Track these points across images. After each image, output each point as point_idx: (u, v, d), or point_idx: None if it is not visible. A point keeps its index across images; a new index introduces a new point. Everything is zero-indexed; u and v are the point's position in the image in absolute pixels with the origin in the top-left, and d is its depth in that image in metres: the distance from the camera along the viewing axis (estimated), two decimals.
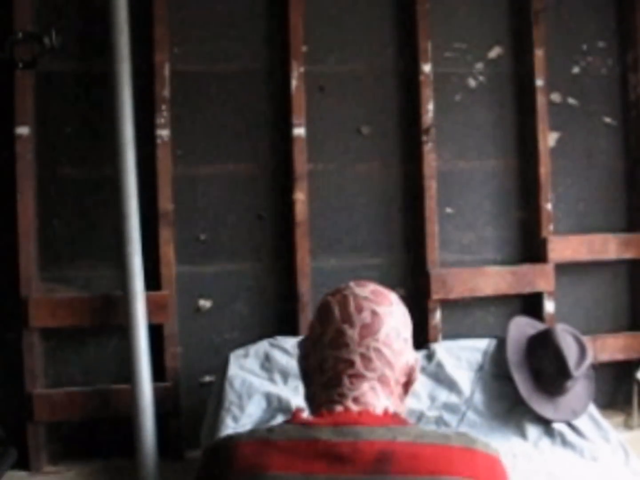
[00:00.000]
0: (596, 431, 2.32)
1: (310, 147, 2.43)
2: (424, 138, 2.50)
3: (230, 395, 2.18)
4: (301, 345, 1.36)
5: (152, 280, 2.30)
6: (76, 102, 2.33)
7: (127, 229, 2.20)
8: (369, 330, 1.25)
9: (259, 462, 1.14)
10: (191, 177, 2.39)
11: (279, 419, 2.07)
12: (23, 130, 2.25)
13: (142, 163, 2.26)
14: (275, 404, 2.16)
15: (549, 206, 2.62)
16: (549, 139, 2.64)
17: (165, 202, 2.33)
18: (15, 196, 2.24)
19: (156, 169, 2.32)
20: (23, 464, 2.28)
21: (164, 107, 2.32)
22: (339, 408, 1.23)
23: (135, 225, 2.20)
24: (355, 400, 1.24)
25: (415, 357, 1.34)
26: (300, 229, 2.40)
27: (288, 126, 2.41)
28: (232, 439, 1.22)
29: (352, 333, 1.25)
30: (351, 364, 1.25)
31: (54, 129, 2.32)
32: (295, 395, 2.14)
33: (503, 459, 1.20)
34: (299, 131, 2.40)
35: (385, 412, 1.23)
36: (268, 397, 2.18)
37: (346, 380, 1.25)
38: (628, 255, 2.72)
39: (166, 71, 2.34)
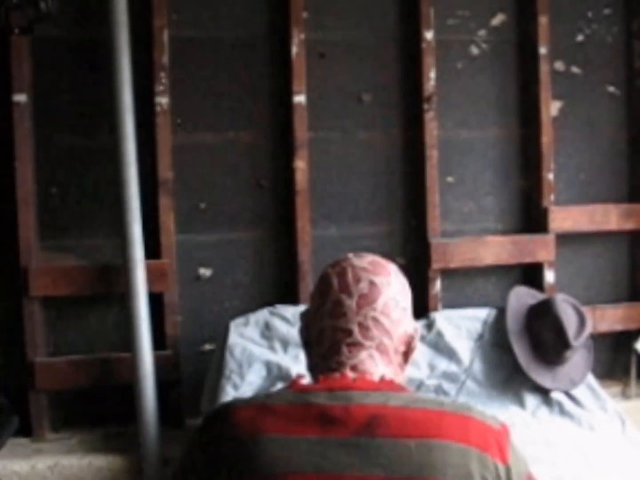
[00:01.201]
0: (594, 401, 2.33)
1: (310, 114, 2.41)
2: (426, 106, 2.48)
3: (230, 364, 2.19)
4: (302, 317, 1.38)
5: (152, 249, 2.29)
6: (74, 68, 2.31)
7: (127, 198, 2.19)
8: (367, 300, 1.26)
9: (256, 426, 1.16)
10: (191, 145, 2.38)
11: (279, 387, 2.08)
12: (20, 98, 2.23)
13: (141, 131, 2.24)
14: (275, 372, 2.17)
15: (550, 176, 2.61)
16: (551, 108, 2.62)
17: (165, 171, 2.32)
18: (13, 165, 2.23)
19: (155, 137, 2.31)
20: (26, 431, 2.30)
21: (162, 74, 2.30)
22: (335, 375, 1.24)
23: (135, 193, 2.20)
24: (354, 368, 1.25)
25: (414, 327, 1.34)
26: (300, 198, 2.39)
27: (288, 94, 2.39)
28: (231, 404, 1.23)
29: (350, 303, 1.26)
30: (349, 333, 1.26)
31: (51, 96, 2.30)
32: (295, 364, 2.15)
33: (508, 431, 1.19)
34: (300, 99, 2.38)
35: (382, 379, 1.23)
36: (268, 365, 2.19)
37: (344, 349, 1.26)
38: (629, 226, 2.71)
39: (165, 37, 2.31)
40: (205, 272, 2.41)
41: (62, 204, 2.32)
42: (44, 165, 2.30)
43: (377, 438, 1.12)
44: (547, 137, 2.60)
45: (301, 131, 2.38)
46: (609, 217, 2.68)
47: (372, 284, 1.27)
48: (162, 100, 2.30)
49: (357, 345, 1.25)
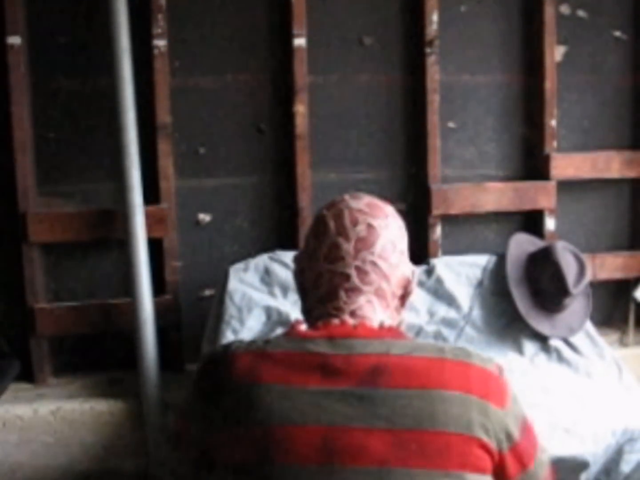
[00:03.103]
0: (592, 348, 2.34)
1: (310, 58, 2.37)
2: (428, 50, 2.43)
3: (230, 309, 2.20)
4: (297, 260, 1.36)
5: (151, 194, 2.28)
6: (69, 10, 2.26)
7: (125, 142, 2.17)
8: (365, 243, 1.25)
9: (255, 373, 1.15)
10: (189, 89, 2.34)
11: (279, 332, 2.08)
12: (14, 40, 2.18)
13: (139, 75, 2.21)
14: (275, 318, 2.18)
15: (553, 122, 2.58)
16: (556, 53, 2.57)
17: (163, 115, 2.29)
18: (9, 109, 2.20)
19: (153, 81, 2.27)
20: (28, 376, 2.32)
21: (160, 16, 2.25)
22: (335, 321, 1.23)
23: (133, 138, 2.17)
24: (352, 313, 1.24)
25: (411, 270, 1.33)
26: (300, 143, 2.36)
27: (288, 36, 2.35)
28: (229, 349, 1.22)
29: (348, 247, 1.24)
30: (347, 277, 1.25)
31: (47, 38, 2.25)
32: (294, 309, 2.15)
33: (504, 373, 1.20)
34: (300, 42, 2.34)
35: (381, 326, 1.23)
36: (268, 310, 2.20)
37: (342, 294, 1.25)
38: (631, 173, 2.69)
39: None
40: (204, 217, 2.39)
41: (60, 149, 2.30)
42: (40, 110, 2.27)
43: (380, 389, 1.12)
44: (550, 83, 2.56)
45: (301, 75, 2.35)
46: (611, 164, 2.65)
47: (369, 226, 1.26)
48: (160, 43, 2.26)
49: (355, 290, 1.25)
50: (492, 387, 1.16)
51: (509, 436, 1.15)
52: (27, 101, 2.23)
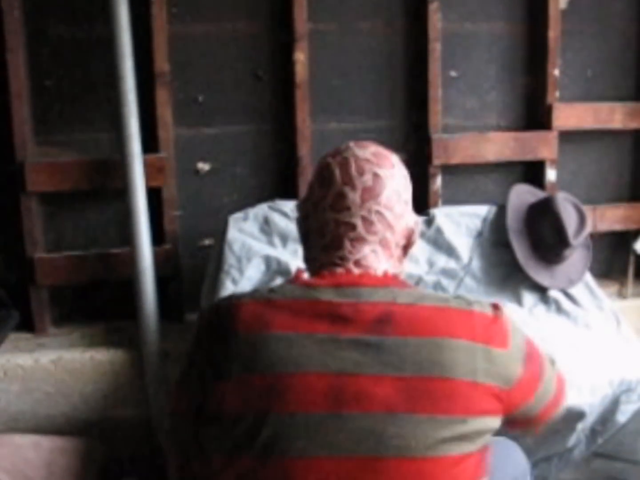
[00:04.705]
0: (591, 299, 2.35)
1: (310, 5, 2.32)
2: None
3: (229, 259, 2.19)
4: (300, 207, 1.36)
5: (150, 143, 2.26)
6: None
7: (123, 90, 2.14)
8: (371, 193, 1.25)
9: (261, 322, 1.16)
10: (187, 36, 2.30)
11: (278, 281, 2.09)
12: None
13: (137, 22, 2.16)
14: (275, 267, 2.17)
15: (556, 72, 2.55)
16: (560, 0, 2.52)
17: (161, 62, 2.26)
18: (5, 57, 2.17)
19: (151, 28, 2.23)
20: (28, 326, 2.33)
21: None
22: (340, 270, 1.23)
23: (131, 86, 2.14)
24: (357, 263, 1.24)
25: (415, 220, 1.34)
26: (300, 91, 2.33)
27: None
28: (234, 299, 1.22)
29: (354, 196, 1.24)
30: (352, 227, 1.25)
31: None
32: (294, 258, 2.15)
33: (502, 312, 1.22)
34: None
35: (385, 274, 1.23)
36: (267, 260, 2.19)
37: (347, 244, 1.25)
38: (634, 125, 2.67)
39: None
40: (203, 166, 2.38)
41: (57, 98, 2.27)
42: (37, 57, 2.23)
43: (388, 337, 1.13)
44: (554, 31, 2.52)
45: (301, 22, 2.31)
46: (614, 115, 2.63)
47: (376, 176, 1.25)
48: None
49: (360, 240, 1.25)
50: (493, 331, 1.18)
51: (512, 374, 1.18)
52: (23, 48, 2.19)
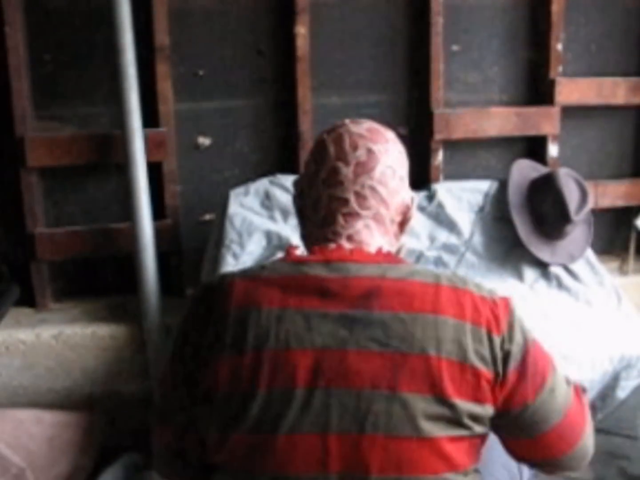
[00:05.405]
0: (592, 275, 2.35)
1: None
2: None
3: (230, 233, 2.19)
4: (296, 184, 1.36)
5: (150, 118, 2.24)
6: None
7: (123, 64, 2.12)
8: (364, 168, 1.24)
9: (252, 299, 1.15)
10: (188, 10, 2.28)
11: (279, 256, 2.08)
12: None
13: None
14: (275, 242, 2.17)
15: (559, 46, 2.53)
16: None
17: (162, 36, 2.24)
18: (3, 30, 2.15)
19: (151, 1, 2.21)
20: (29, 301, 2.33)
21: None
22: (331, 245, 1.23)
23: (131, 60, 2.13)
24: (349, 238, 1.24)
25: (411, 196, 1.33)
26: (301, 65, 2.31)
27: None
28: (226, 277, 1.22)
29: (347, 171, 1.24)
30: (345, 202, 1.24)
31: None
32: (295, 233, 2.13)
33: (503, 300, 1.19)
34: None
35: (379, 251, 1.22)
36: (268, 234, 2.19)
37: (340, 219, 1.24)
38: (637, 101, 2.66)
39: None
40: (204, 141, 2.36)
41: (57, 72, 2.25)
42: (35, 31, 2.21)
43: (374, 312, 1.12)
44: (557, 5, 2.50)
45: None
46: (617, 90, 2.62)
47: (369, 151, 1.25)
48: None
49: (353, 215, 1.24)
50: (486, 313, 1.15)
51: (505, 363, 1.14)
52: (21, 21, 2.17)
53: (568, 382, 1.27)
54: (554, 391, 1.21)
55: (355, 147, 1.24)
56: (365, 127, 1.28)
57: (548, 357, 1.23)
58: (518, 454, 1.28)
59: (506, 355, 1.14)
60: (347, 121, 1.30)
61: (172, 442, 1.25)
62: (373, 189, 1.24)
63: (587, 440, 1.27)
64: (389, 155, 1.26)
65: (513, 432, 1.22)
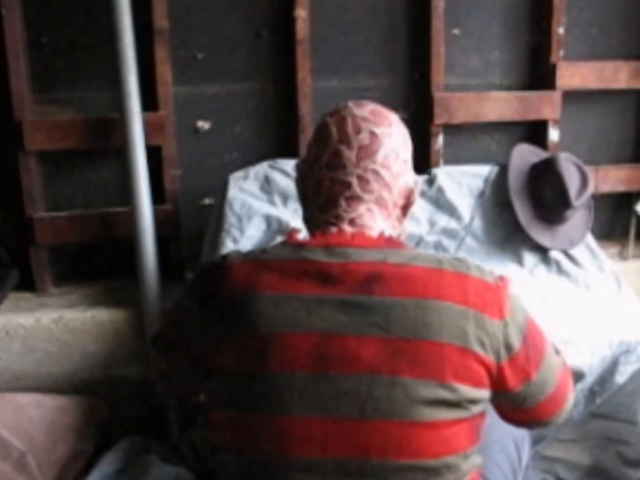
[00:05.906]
0: (591, 260, 2.35)
1: None
2: None
3: (230, 218, 2.18)
4: (298, 167, 1.35)
5: (149, 102, 2.23)
6: None
7: (122, 48, 2.11)
8: (367, 151, 1.23)
9: (251, 282, 1.15)
10: None
11: (279, 240, 2.08)
12: None
13: None
14: (275, 226, 2.17)
15: (560, 30, 2.51)
16: None
17: (161, 19, 2.22)
18: (0, 13, 2.13)
19: None
20: (29, 286, 2.33)
21: None
22: (333, 229, 1.23)
23: (130, 43, 2.11)
24: (352, 222, 1.23)
25: (414, 180, 1.32)
26: (301, 48, 2.30)
27: None
28: (226, 259, 1.22)
29: (350, 154, 1.23)
30: (348, 185, 1.24)
31: None
32: (294, 218, 2.14)
33: (505, 284, 1.20)
34: None
35: (380, 235, 1.22)
36: (268, 219, 2.18)
37: (342, 202, 1.24)
38: (639, 84, 2.64)
39: None
40: (203, 124, 2.35)
41: (55, 55, 2.23)
42: (33, 13, 2.18)
43: (375, 297, 1.11)
44: None
45: None
46: (618, 74, 2.60)
47: (372, 134, 1.24)
48: None
49: (355, 198, 1.24)
50: (489, 299, 1.15)
51: (507, 348, 1.15)
52: (17, 4, 2.15)
53: (556, 350, 1.30)
54: (550, 365, 1.23)
55: (358, 130, 1.24)
56: (368, 109, 1.27)
57: (542, 332, 1.25)
58: (510, 419, 1.31)
59: (507, 340, 1.15)
60: (350, 103, 1.29)
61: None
62: (376, 172, 1.24)
63: (572, 398, 1.33)
64: (393, 139, 1.26)
65: (511, 404, 1.24)
